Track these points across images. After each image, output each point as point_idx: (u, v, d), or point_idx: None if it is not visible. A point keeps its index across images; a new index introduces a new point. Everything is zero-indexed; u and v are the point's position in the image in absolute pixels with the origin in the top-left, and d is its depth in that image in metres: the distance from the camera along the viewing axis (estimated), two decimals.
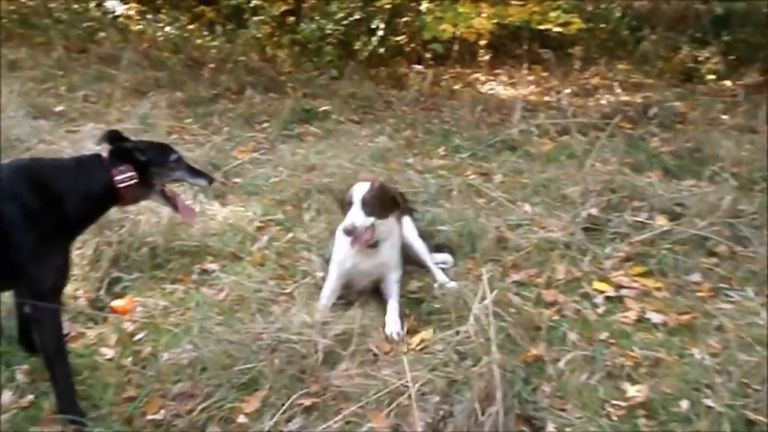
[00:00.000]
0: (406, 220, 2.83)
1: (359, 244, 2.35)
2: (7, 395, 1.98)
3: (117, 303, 2.50)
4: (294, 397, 1.93)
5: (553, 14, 5.74)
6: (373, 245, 2.43)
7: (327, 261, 2.82)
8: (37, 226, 1.76)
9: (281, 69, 6.34)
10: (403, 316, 2.42)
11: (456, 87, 6.60)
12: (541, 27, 5.85)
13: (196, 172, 2.13)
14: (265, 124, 4.99)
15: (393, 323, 2.35)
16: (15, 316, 2.11)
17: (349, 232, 2.31)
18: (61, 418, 1.86)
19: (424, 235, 2.89)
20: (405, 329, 2.36)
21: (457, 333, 2.14)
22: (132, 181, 1.92)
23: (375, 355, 2.20)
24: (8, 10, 7.04)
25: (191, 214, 2.20)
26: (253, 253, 2.90)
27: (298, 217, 3.29)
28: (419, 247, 2.80)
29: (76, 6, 7.10)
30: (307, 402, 1.94)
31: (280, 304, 2.50)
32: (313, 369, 2.06)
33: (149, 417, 1.91)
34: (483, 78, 7.01)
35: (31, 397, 1.98)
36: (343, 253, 2.48)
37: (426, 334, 2.31)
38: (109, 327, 2.35)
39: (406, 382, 1.89)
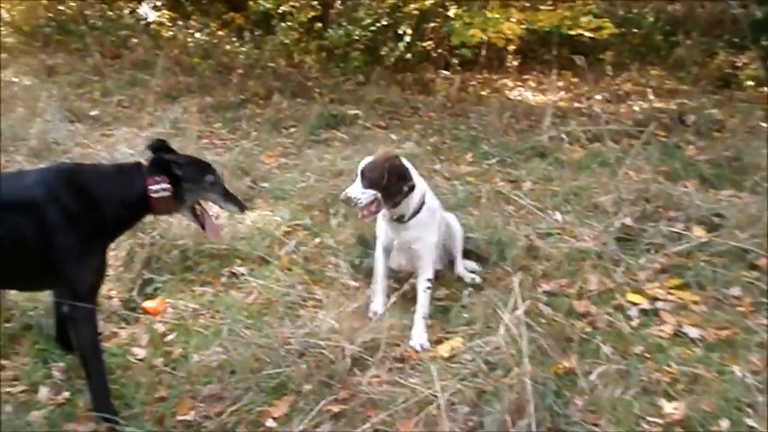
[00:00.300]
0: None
1: (362, 215, 2.39)
2: (44, 391, 2.03)
3: (149, 304, 2.55)
4: (323, 403, 1.93)
5: (584, 19, 5.62)
6: (398, 220, 2.44)
7: (354, 267, 2.83)
8: (77, 228, 1.80)
9: (308, 74, 6.39)
10: (428, 328, 2.39)
11: (484, 93, 6.55)
12: (572, 32, 5.73)
13: (229, 198, 2.08)
14: (293, 129, 5.04)
15: (418, 336, 2.33)
16: (53, 315, 2.17)
17: (344, 201, 2.41)
18: (95, 416, 1.89)
19: None
20: (431, 340, 2.33)
21: (487, 343, 2.11)
22: (165, 193, 1.92)
23: (403, 362, 2.19)
24: (47, 17, 7.30)
25: (217, 233, 2.19)
26: (281, 257, 2.91)
27: (325, 222, 3.30)
28: (458, 230, 2.81)
29: (110, 13, 7.31)
30: (336, 408, 1.94)
31: (307, 308, 2.51)
32: (342, 375, 2.05)
33: (179, 418, 1.93)
34: (511, 84, 6.94)
35: (67, 394, 2.03)
36: (381, 228, 2.57)
37: (455, 342, 2.29)
38: (141, 327, 2.40)
39: (435, 391, 1.87)
